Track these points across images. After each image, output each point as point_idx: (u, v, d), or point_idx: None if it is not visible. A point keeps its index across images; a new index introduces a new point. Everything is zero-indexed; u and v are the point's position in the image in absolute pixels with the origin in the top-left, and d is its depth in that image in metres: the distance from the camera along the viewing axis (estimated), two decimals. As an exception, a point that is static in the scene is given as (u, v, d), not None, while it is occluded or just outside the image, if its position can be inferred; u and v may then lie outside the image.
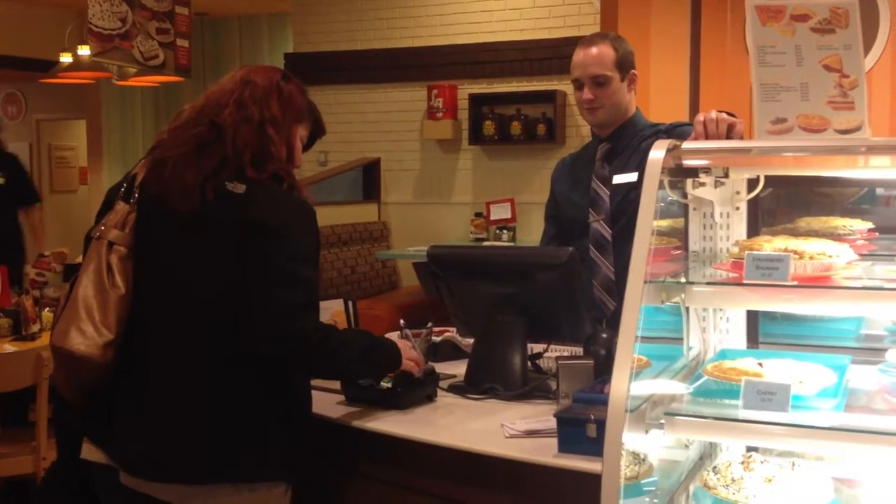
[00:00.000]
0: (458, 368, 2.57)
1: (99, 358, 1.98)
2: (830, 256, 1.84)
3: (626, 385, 1.65)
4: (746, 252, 1.82)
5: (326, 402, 2.32)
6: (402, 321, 2.75)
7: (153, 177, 2.06)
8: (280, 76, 2.16)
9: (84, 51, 6.10)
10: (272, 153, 2.07)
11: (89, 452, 2.10)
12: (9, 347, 3.94)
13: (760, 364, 1.91)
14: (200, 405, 1.98)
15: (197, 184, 1.99)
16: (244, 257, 1.97)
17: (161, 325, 2.02)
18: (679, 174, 2.03)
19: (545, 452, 1.93)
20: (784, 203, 2.38)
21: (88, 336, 1.97)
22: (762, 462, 1.87)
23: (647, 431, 1.77)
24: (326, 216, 6.86)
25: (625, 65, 2.90)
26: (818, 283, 1.82)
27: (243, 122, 2.05)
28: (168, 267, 2.03)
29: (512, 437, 2.05)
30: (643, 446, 1.87)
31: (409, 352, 2.28)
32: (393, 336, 2.78)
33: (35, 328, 4.15)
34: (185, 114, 2.12)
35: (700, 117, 2.38)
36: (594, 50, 2.88)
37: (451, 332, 2.82)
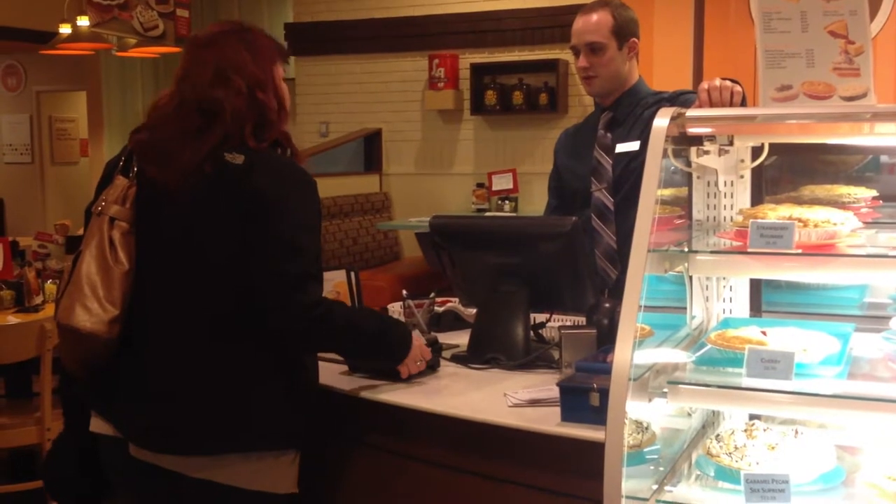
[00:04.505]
0: (461, 338, 2.57)
1: (105, 334, 1.98)
2: (835, 224, 1.83)
3: (629, 354, 1.64)
4: (750, 220, 1.81)
5: (329, 372, 2.32)
6: (404, 292, 2.75)
7: (149, 157, 2.03)
8: (240, 29, 2.10)
9: (83, 22, 6.06)
10: (270, 119, 2.05)
11: (97, 425, 2.11)
12: (12, 319, 3.94)
13: (764, 332, 1.91)
14: (206, 377, 1.98)
15: (195, 164, 1.97)
16: (245, 228, 1.96)
17: (165, 298, 2.02)
18: (683, 142, 2.02)
19: (548, 421, 1.93)
20: (788, 171, 2.36)
21: (94, 313, 1.97)
22: (765, 430, 1.87)
23: (650, 400, 1.78)
24: (328, 187, 6.84)
25: (623, 33, 2.87)
26: (822, 251, 1.81)
27: (235, 96, 2.01)
28: (170, 240, 2.03)
29: (515, 406, 2.05)
30: (646, 415, 1.87)
31: (417, 351, 2.23)
32: (395, 307, 2.79)
33: (38, 300, 4.17)
34: (167, 105, 2.05)
35: (704, 85, 2.37)
36: (593, 17, 2.86)
37: (454, 303, 2.82)
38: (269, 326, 1.97)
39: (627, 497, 1.64)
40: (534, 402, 2.05)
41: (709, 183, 2.19)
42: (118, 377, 2.04)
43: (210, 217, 1.99)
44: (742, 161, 2.17)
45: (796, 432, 1.86)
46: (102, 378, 2.06)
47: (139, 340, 2.02)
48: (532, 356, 2.40)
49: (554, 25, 6.67)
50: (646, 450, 1.83)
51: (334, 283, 2.77)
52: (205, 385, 1.98)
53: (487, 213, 6.77)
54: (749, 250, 1.79)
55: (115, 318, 1.99)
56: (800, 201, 2.06)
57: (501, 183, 6.87)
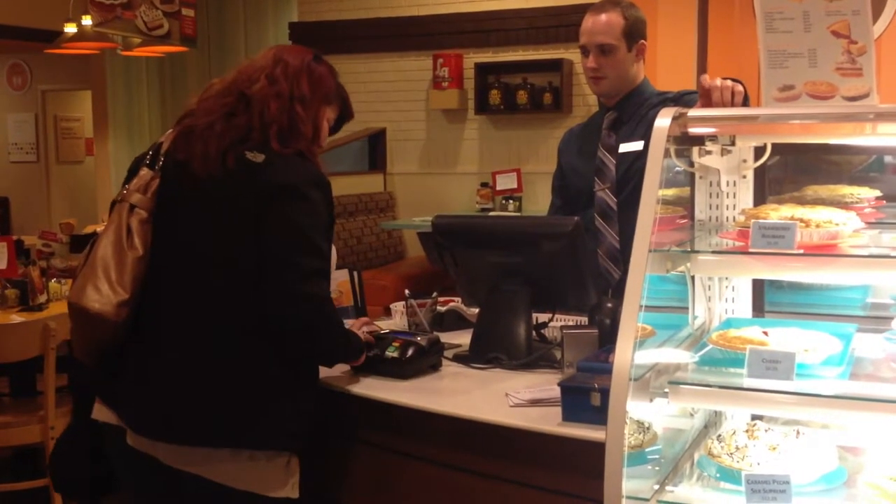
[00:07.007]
0: (463, 338, 2.57)
1: (112, 317, 2.01)
2: (837, 224, 1.83)
3: (630, 354, 1.64)
4: (752, 220, 1.81)
5: (331, 371, 2.32)
6: (407, 291, 2.75)
7: (179, 144, 2.09)
8: (312, 57, 2.19)
9: (88, 21, 6.07)
10: (299, 130, 2.10)
11: (100, 413, 2.15)
12: (16, 318, 3.95)
13: (766, 332, 1.91)
14: (210, 368, 2.00)
15: (219, 152, 2.02)
16: (262, 222, 1.99)
17: (175, 289, 2.05)
18: (685, 142, 2.02)
19: (549, 421, 1.93)
20: (791, 171, 2.36)
21: (104, 294, 2.01)
22: (767, 430, 1.87)
23: (651, 400, 1.78)
24: (332, 186, 6.83)
25: (633, 34, 2.87)
26: (824, 251, 1.81)
27: (273, 96, 2.09)
28: (186, 233, 2.06)
29: (516, 405, 2.05)
30: (647, 415, 1.87)
31: (357, 332, 2.30)
32: (398, 307, 2.79)
33: (42, 299, 4.17)
34: (216, 86, 2.15)
35: (705, 84, 2.36)
36: (603, 17, 2.85)
37: (457, 302, 2.82)
38: (268, 311, 1.98)
39: (628, 497, 1.64)
40: (535, 402, 2.05)
41: (711, 183, 2.19)
42: (125, 362, 2.07)
43: (227, 211, 2.03)
44: (744, 161, 2.16)
45: (798, 433, 1.86)
46: (109, 363, 2.09)
47: (148, 328, 2.05)
48: (534, 356, 2.40)
49: (558, 25, 6.66)
50: (647, 450, 1.83)
51: (338, 282, 2.77)
52: (207, 376, 2.00)
53: (491, 213, 6.77)
54: (751, 250, 1.79)
55: (124, 301, 2.02)
56: (802, 201, 2.06)
57: (505, 182, 6.87)
